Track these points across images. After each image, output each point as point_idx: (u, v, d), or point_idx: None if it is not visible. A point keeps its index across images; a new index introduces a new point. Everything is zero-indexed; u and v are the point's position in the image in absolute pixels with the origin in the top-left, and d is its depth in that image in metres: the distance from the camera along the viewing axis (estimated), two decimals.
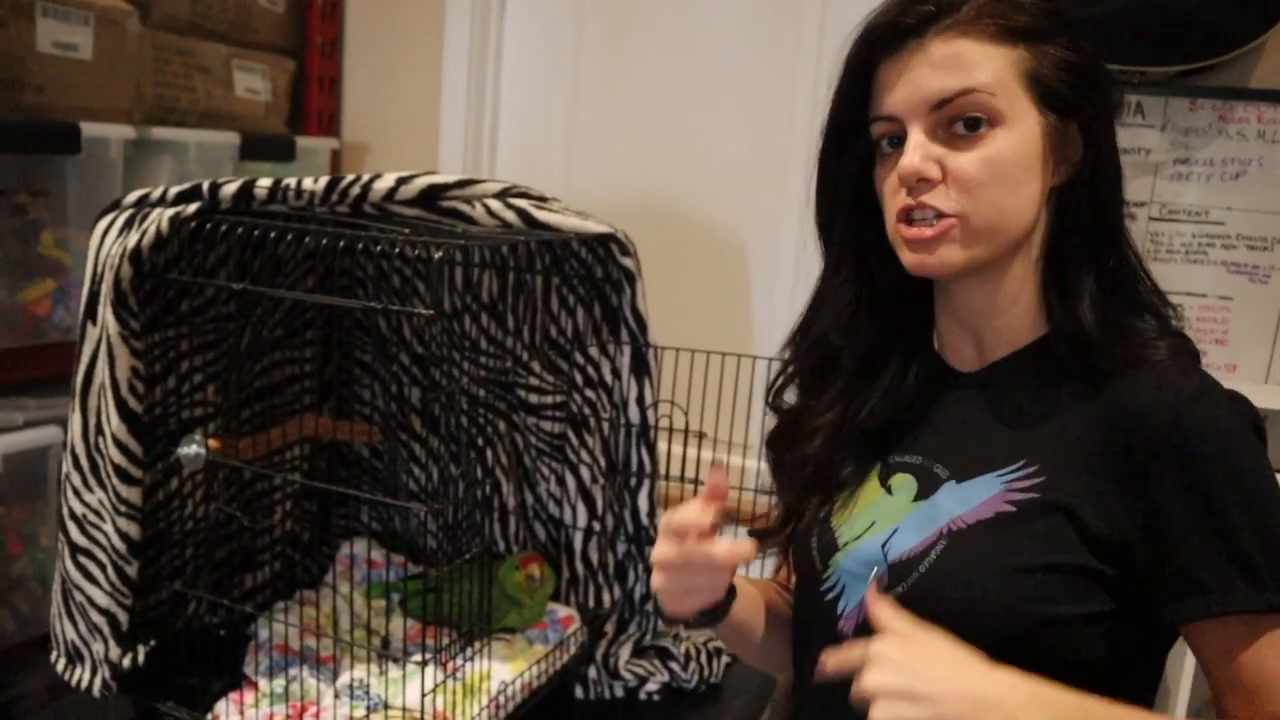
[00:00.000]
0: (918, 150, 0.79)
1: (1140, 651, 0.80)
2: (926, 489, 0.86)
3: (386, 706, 1.18)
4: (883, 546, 0.84)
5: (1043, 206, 0.82)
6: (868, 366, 0.92)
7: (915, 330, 0.93)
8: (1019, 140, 0.79)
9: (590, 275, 1.39)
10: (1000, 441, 0.83)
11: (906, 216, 0.81)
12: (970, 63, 0.78)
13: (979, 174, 0.78)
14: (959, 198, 0.79)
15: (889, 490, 0.88)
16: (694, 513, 0.83)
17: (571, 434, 1.44)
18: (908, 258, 0.82)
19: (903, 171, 0.79)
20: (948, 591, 0.79)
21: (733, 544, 0.84)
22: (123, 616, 1.17)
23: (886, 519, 0.86)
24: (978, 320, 0.86)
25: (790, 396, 0.98)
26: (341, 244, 1.11)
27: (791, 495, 0.95)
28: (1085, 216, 0.81)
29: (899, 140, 0.81)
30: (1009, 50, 0.79)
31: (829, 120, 0.87)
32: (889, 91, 0.81)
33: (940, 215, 0.79)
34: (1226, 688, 0.77)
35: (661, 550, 0.85)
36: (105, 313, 1.11)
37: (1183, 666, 1.39)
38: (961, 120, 0.78)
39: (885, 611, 0.73)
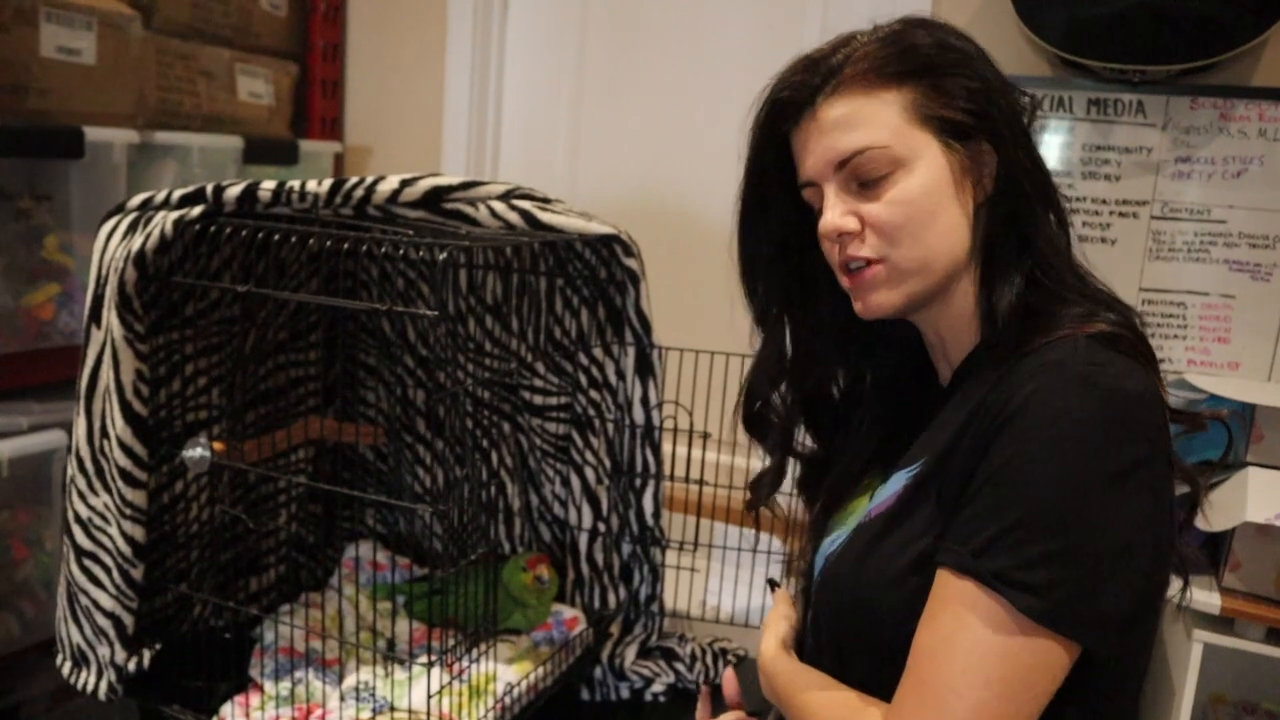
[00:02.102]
0: (834, 208, 0.84)
1: None
2: None
3: (392, 708, 1.18)
4: (832, 547, 0.89)
5: (973, 225, 0.84)
6: (811, 406, 1.00)
7: (909, 362, 0.97)
8: (925, 177, 0.82)
9: (594, 276, 1.39)
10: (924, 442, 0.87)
11: (844, 268, 0.86)
12: (861, 119, 0.82)
13: (891, 217, 0.82)
14: (879, 243, 0.83)
15: (868, 499, 0.92)
16: None
17: (576, 435, 1.44)
18: (856, 306, 0.87)
19: (824, 230, 0.84)
20: (836, 575, 0.85)
21: None
22: (128, 620, 1.17)
23: (850, 523, 0.90)
24: (941, 340, 0.90)
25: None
26: (345, 246, 1.11)
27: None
28: (1003, 224, 0.84)
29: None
30: (898, 94, 0.82)
31: (743, 188, 0.93)
32: (802, 161, 0.87)
33: (867, 262, 0.84)
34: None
35: None
36: (110, 316, 1.11)
37: (1185, 666, 1.39)
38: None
39: None
